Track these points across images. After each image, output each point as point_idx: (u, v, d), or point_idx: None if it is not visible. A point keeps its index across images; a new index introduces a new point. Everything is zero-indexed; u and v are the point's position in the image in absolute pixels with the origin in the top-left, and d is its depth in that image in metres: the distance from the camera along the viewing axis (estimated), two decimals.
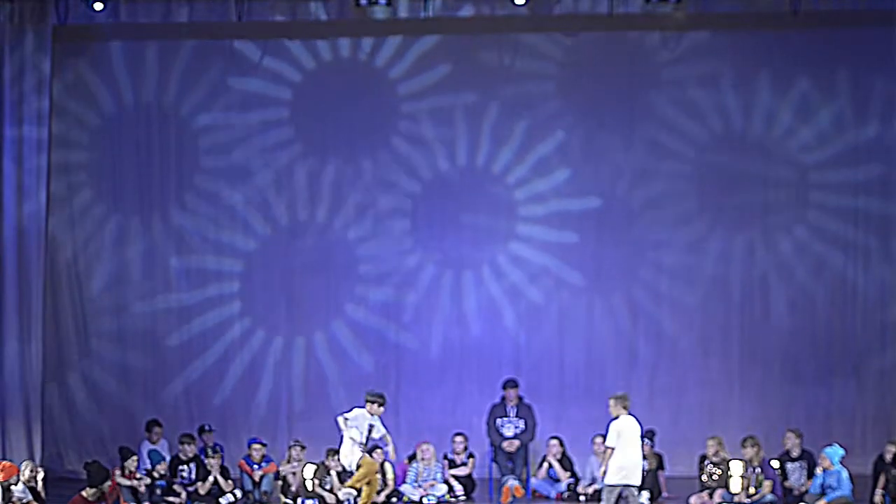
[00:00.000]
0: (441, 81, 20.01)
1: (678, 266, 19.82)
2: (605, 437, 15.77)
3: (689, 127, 19.81)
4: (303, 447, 18.26)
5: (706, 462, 17.59)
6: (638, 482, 15.61)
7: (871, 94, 19.55)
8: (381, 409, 15.57)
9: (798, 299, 19.70)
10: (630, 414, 15.61)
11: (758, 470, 17.15)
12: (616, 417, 15.58)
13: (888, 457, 17.11)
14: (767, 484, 17.10)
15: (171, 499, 17.54)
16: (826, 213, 19.72)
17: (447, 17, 19.07)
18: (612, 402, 15.68)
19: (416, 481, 18.07)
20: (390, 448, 15.76)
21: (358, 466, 15.42)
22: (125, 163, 20.06)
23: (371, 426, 15.48)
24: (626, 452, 15.47)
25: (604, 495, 15.64)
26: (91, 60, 20.00)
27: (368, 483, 15.51)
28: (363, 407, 15.53)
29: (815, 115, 19.67)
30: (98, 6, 18.55)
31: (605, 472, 15.52)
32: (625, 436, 15.48)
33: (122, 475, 17.08)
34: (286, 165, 20.15)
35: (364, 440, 15.46)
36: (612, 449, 15.45)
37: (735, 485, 17.15)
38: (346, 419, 15.44)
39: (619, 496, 15.44)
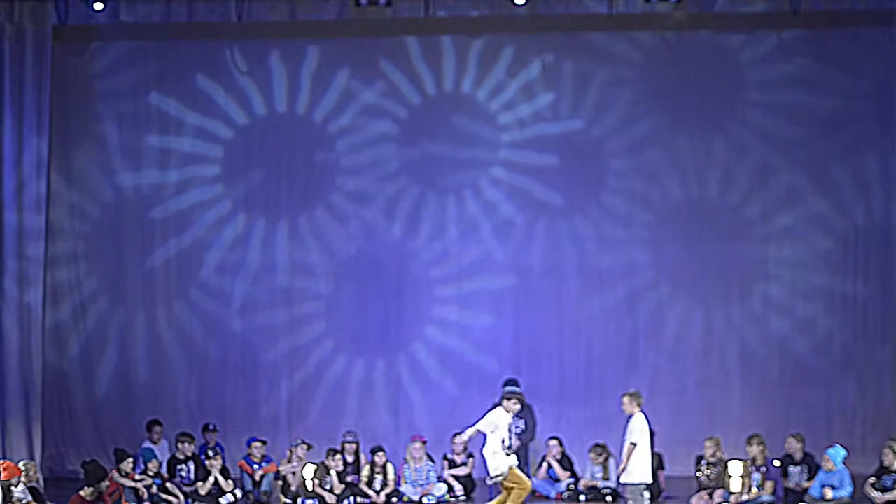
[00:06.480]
0: None
1: (678, 265, 19.84)
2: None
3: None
4: (309, 446, 18.14)
5: (702, 462, 17.60)
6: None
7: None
8: (519, 405, 15.48)
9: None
10: (641, 411, 15.53)
11: (762, 469, 17.14)
12: (632, 415, 15.42)
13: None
14: (769, 485, 17.08)
15: (169, 498, 17.52)
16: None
17: (448, 18, 19.16)
18: (626, 399, 15.41)
19: (413, 482, 18.05)
20: None
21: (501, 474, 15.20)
22: None
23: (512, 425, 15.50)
24: (646, 449, 15.33)
25: (630, 495, 15.47)
26: (91, 60, 20.02)
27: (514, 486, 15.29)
28: (497, 406, 15.41)
29: None
30: (98, 6, 18.57)
31: (623, 470, 15.33)
32: (646, 433, 15.36)
33: (121, 476, 17.08)
34: None
35: (509, 443, 15.26)
36: (635, 445, 15.25)
37: (735, 485, 17.13)
38: (487, 429, 15.16)
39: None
